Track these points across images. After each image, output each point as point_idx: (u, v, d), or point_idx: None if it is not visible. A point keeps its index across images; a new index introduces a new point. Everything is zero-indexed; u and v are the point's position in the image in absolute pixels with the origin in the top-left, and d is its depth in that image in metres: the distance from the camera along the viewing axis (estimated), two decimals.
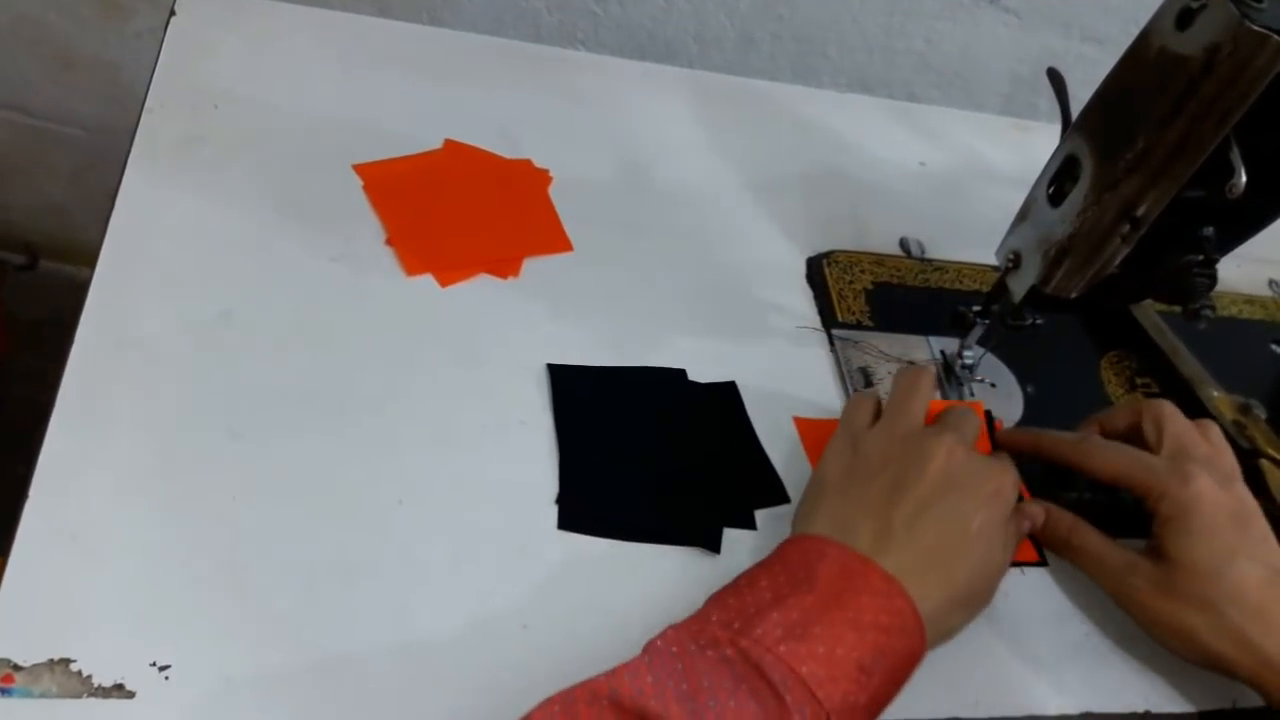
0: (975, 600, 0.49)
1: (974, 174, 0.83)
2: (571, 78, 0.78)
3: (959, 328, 0.62)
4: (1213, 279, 0.53)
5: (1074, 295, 0.53)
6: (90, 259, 0.55)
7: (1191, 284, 0.53)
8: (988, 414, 0.58)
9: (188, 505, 0.47)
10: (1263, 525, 0.51)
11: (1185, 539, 0.50)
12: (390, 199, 0.64)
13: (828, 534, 0.48)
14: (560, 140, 0.72)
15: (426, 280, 0.60)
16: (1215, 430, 0.55)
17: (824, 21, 0.95)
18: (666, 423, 0.57)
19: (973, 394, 0.64)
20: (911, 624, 0.44)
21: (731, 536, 0.53)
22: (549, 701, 0.39)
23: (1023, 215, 0.55)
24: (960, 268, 0.74)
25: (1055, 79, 0.57)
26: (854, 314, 0.67)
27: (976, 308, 0.60)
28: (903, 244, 0.75)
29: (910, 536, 0.47)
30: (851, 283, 0.69)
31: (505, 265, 0.63)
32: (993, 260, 0.57)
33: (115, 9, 0.97)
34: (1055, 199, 0.52)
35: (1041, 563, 0.57)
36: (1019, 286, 0.55)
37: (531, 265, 0.64)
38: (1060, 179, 0.52)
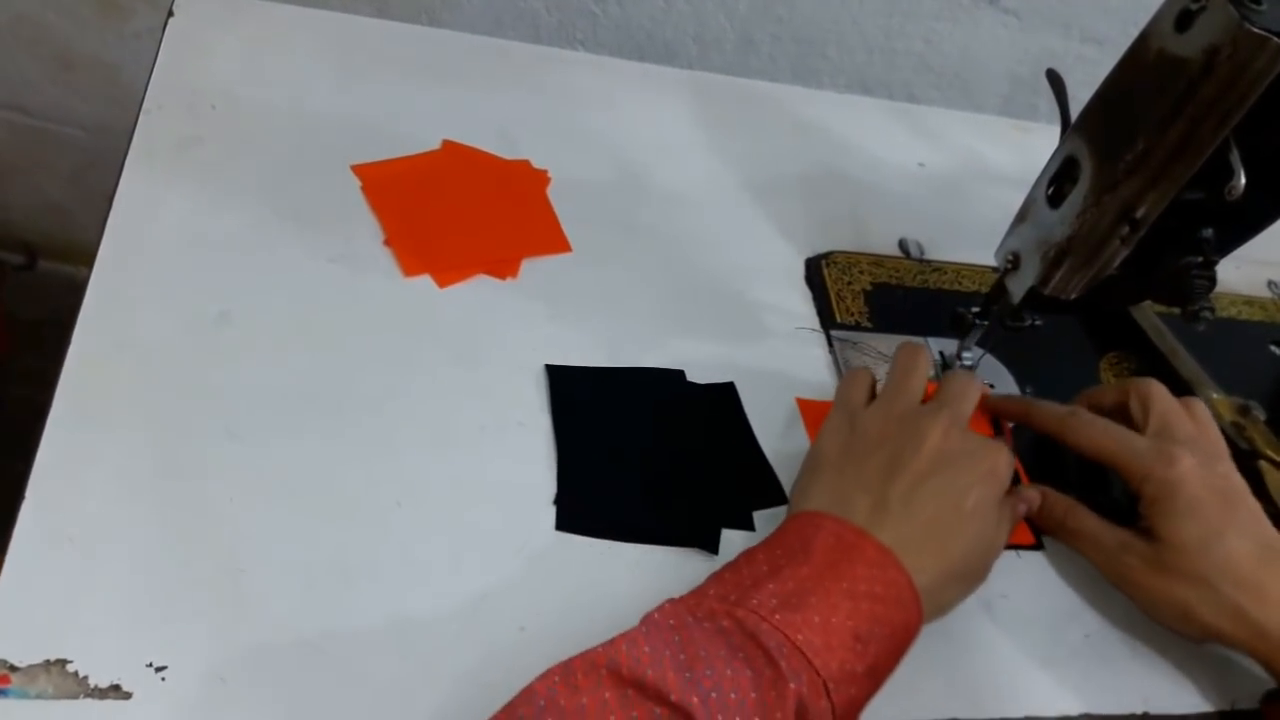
0: (970, 576, 0.50)
1: (973, 175, 0.83)
2: (570, 78, 0.78)
3: (958, 329, 0.62)
4: (1212, 280, 0.53)
5: (1073, 296, 0.53)
6: (89, 259, 0.55)
7: (1190, 285, 0.53)
8: None
9: (185, 506, 0.47)
10: (1251, 502, 0.52)
11: (1172, 519, 0.50)
12: (389, 199, 0.64)
13: (824, 509, 0.48)
14: (559, 141, 0.72)
15: (425, 281, 0.60)
16: (1201, 408, 0.56)
17: (823, 22, 0.95)
18: (664, 424, 0.57)
19: None
20: (907, 595, 0.45)
21: (729, 537, 0.53)
22: (549, 672, 0.39)
23: (1022, 216, 0.55)
24: (959, 269, 0.74)
25: (1054, 80, 0.57)
26: (853, 315, 0.67)
27: (975, 309, 0.60)
28: (902, 245, 0.75)
29: (906, 511, 0.47)
30: (850, 284, 0.69)
31: (504, 266, 0.63)
32: (992, 261, 0.57)
33: (114, 9, 0.97)
34: (1054, 200, 0.52)
35: (1037, 546, 0.58)
36: (1018, 288, 0.55)
37: (530, 266, 0.63)
38: (1059, 180, 0.52)
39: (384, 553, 0.48)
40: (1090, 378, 0.70)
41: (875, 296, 0.69)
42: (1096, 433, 0.54)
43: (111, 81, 1.03)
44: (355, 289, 0.59)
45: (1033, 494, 0.55)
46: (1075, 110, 0.52)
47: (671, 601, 0.44)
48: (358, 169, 0.65)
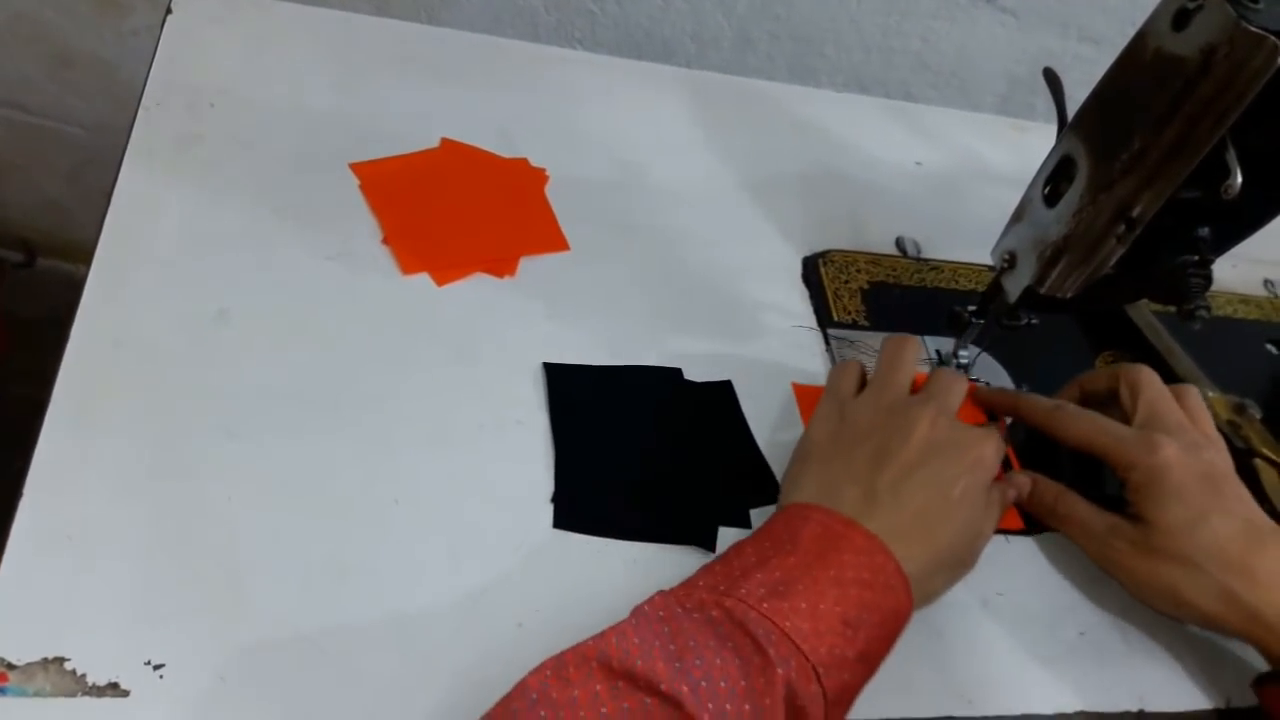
0: (959, 563, 0.50)
1: (970, 174, 0.83)
2: (569, 77, 0.78)
3: (954, 327, 0.62)
4: (1208, 279, 0.53)
5: (1069, 295, 0.53)
6: (88, 257, 0.55)
7: (1187, 284, 0.53)
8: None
9: (183, 504, 0.47)
10: (1237, 486, 0.53)
11: (1158, 503, 0.51)
12: (387, 198, 0.64)
13: (813, 500, 0.48)
14: (557, 139, 0.72)
15: (423, 279, 0.60)
16: (1194, 395, 0.56)
17: (821, 21, 0.95)
18: (662, 422, 0.58)
19: None
20: (895, 580, 0.45)
21: (726, 535, 0.53)
22: (541, 666, 0.40)
23: (1018, 215, 0.55)
24: (956, 267, 0.74)
25: (1052, 79, 0.57)
26: (849, 313, 0.68)
27: (972, 307, 0.61)
28: (899, 243, 0.75)
29: (895, 501, 0.47)
30: (847, 282, 0.70)
31: (502, 264, 0.63)
32: (988, 260, 0.57)
33: (113, 6, 0.97)
34: (1051, 199, 0.52)
35: (1025, 531, 0.58)
36: (1014, 286, 0.55)
37: (528, 264, 0.64)
38: (1056, 179, 0.52)
39: (382, 550, 0.48)
40: None
41: (872, 295, 0.69)
42: (1083, 425, 0.55)
43: (110, 79, 1.03)
44: (354, 287, 0.59)
45: (1023, 479, 0.56)
46: (1072, 109, 0.52)
47: (661, 593, 0.44)
48: (356, 167, 0.65)
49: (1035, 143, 0.84)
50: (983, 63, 1.01)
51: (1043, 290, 0.53)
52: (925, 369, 0.61)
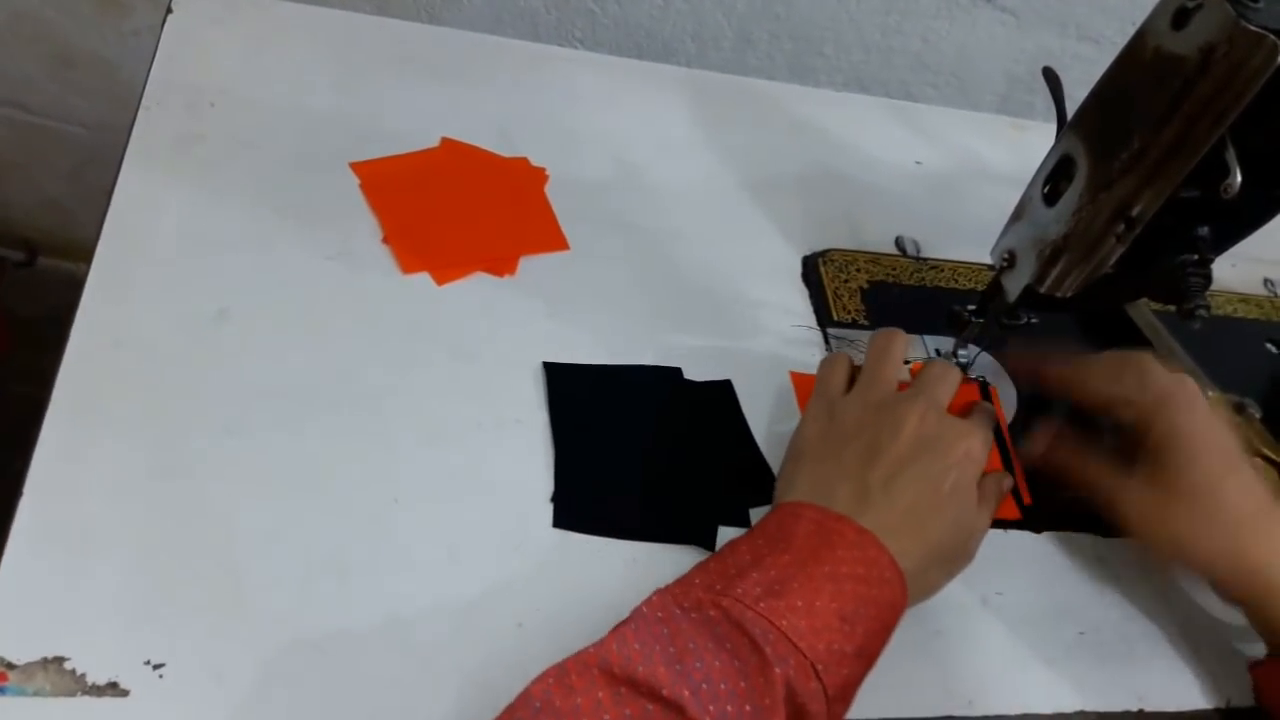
0: (952, 557, 0.50)
1: (970, 173, 0.83)
2: (569, 76, 0.78)
3: (954, 327, 0.62)
4: (1208, 278, 0.53)
5: (1069, 294, 0.53)
6: (88, 256, 0.55)
7: (1186, 283, 0.53)
8: (982, 383, 0.59)
9: (183, 502, 0.47)
10: (1251, 459, 0.54)
11: (1173, 462, 0.52)
12: (387, 197, 0.64)
13: (806, 498, 0.49)
14: (557, 138, 0.72)
15: (423, 278, 0.60)
16: (1192, 383, 0.56)
17: (821, 21, 0.95)
18: (662, 421, 0.58)
19: None
20: (890, 574, 0.45)
21: (726, 534, 0.53)
22: (544, 675, 0.40)
23: (1018, 215, 0.55)
24: (956, 267, 0.74)
25: (1051, 78, 0.57)
26: (849, 313, 0.68)
27: (971, 307, 0.61)
28: (898, 243, 0.75)
29: (887, 497, 0.48)
30: (847, 281, 0.70)
31: (501, 263, 0.63)
32: (988, 259, 0.57)
33: (113, 6, 0.97)
34: (1050, 198, 0.52)
35: (1022, 523, 0.58)
36: (1014, 286, 0.55)
37: (528, 263, 0.64)
38: (1055, 178, 0.52)
39: (382, 550, 0.48)
40: None
41: (872, 294, 0.69)
42: (1102, 384, 0.55)
43: (110, 78, 1.03)
44: (354, 286, 0.59)
45: (1007, 478, 0.56)
46: (1072, 109, 0.52)
47: (660, 592, 0.44)
48: (356, 166, 0.65)
49: (1035, 142, 0.84)
50: (982, 62, 1.01)
51: (1042, 289, 0.53)
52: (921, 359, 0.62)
